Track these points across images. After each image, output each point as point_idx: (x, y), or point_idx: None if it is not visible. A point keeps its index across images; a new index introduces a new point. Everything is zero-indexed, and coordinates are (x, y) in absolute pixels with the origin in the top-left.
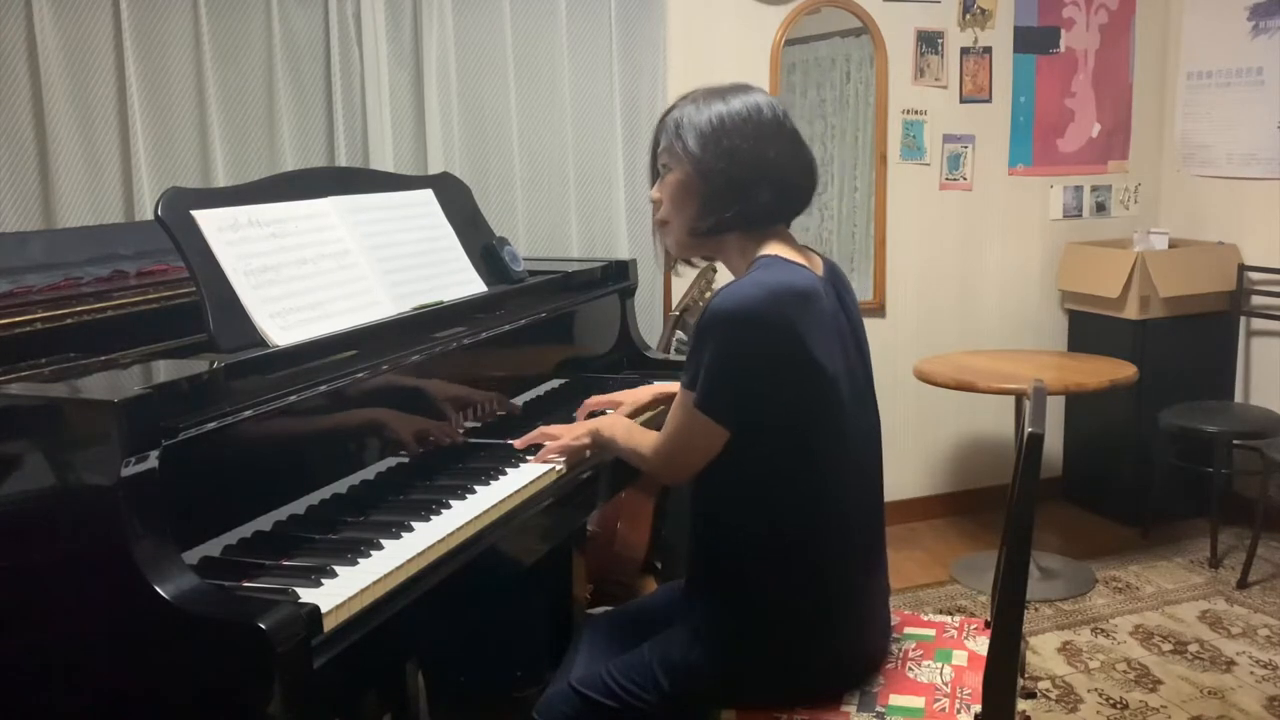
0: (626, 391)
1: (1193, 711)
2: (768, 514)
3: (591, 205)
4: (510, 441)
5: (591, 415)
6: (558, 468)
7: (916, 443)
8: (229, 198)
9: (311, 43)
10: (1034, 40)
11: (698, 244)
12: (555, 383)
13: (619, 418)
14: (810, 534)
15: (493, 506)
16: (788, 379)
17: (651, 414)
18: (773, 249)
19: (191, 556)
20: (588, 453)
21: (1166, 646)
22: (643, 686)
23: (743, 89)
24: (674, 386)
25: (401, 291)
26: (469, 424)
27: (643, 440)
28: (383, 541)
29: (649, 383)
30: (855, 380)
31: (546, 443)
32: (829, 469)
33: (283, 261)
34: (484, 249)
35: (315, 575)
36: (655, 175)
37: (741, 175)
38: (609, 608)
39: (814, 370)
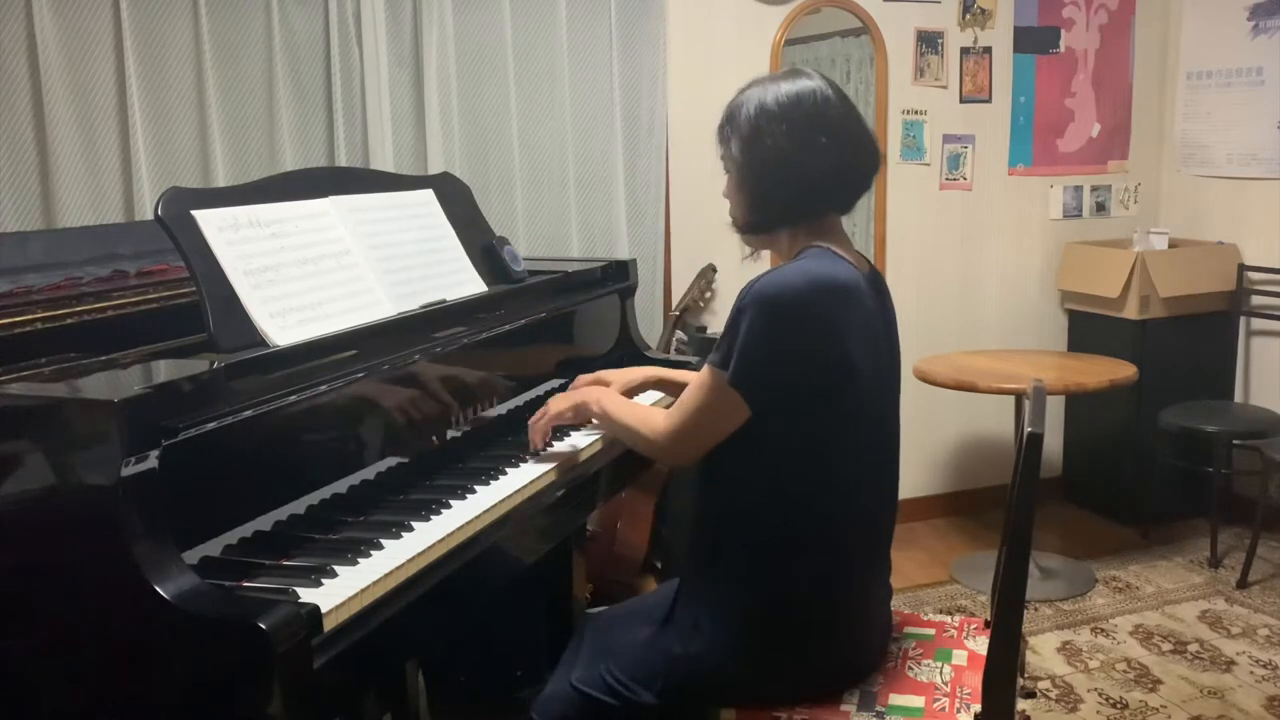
0: (614, 371)
1: (1192, 711)
2: (776, 509)
3: (591, 205)
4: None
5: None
6: (491, 505)
7: (916, 443)
8: (229, 198)
9: (311, 43)
10: (1034, 40)
11: (755, 239)
12: (555, 383)
13: (610, 391)
14: (816, 532)
15: (492, 506)
16: (817, 371)
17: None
18: (822, 242)
19: (191, 556)
20: (576, 421)
21: (1166, 646)
22: (642, 684)
23: (791, 76)
24: (669, 371)
25: (402, 291)
26: (469, 424)
27: (646, 416)
28: (383, 541)
29: None
30: (882, 384)
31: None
32: (842, 467)
33: (283, 261)
34: (484, 249)
35: (315, 575)
36: (725, 171)
37: (778, 178)
38: (607, 606)
39: (843, 366)
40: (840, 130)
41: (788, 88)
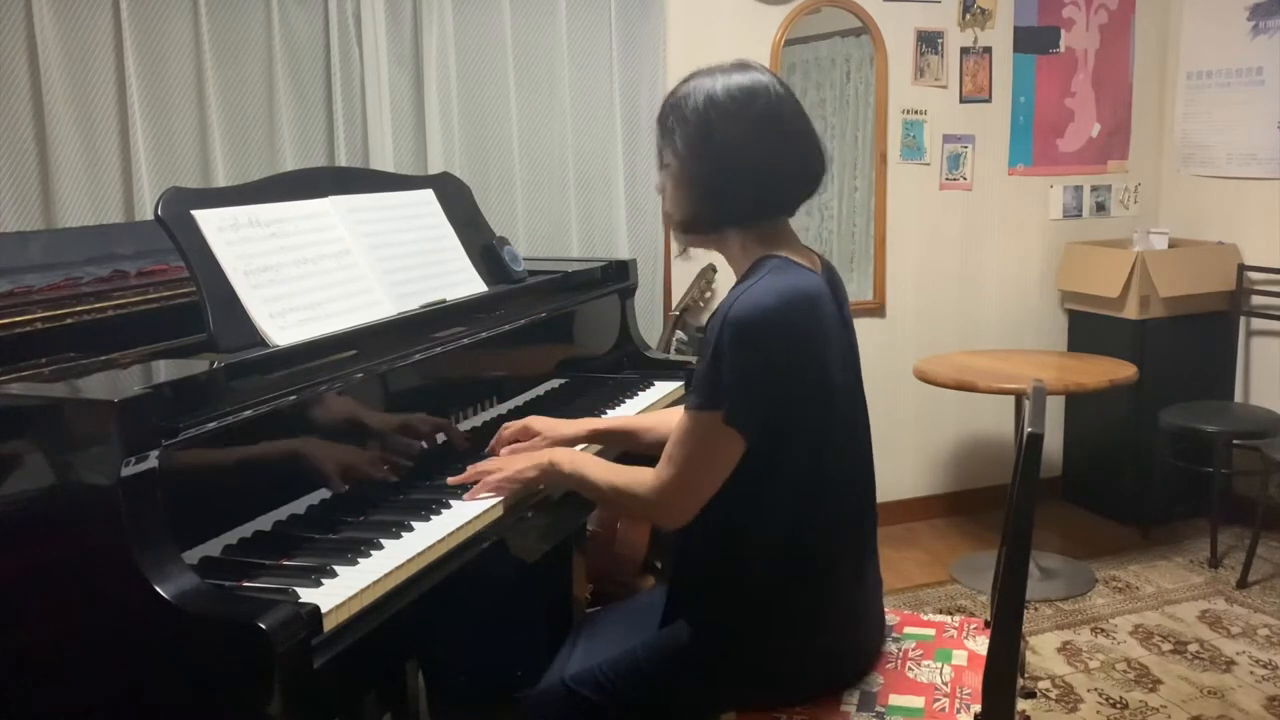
0: (546, 420)
1: (1192, 711)
2: (763, 517)
3: (591, 205)
4: (448, 480)
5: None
6: (492, 504)
7: (916, 443)
8: (229, 198)
9: (311, 43)
10: (1034, 40)
11: (697, 238)
12: (555, 383)
13: (583, 452)
14: (804, 536)
15: (493, 506)
16: (797, 386)
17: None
18: (777, 249)
19: (191, 556)
20: (541, 485)
21: (1166, 646)
22: (635, 684)
23: (740, 68)
24: (604, 421)
25: (402, 291)
26: (469, 423)
27: (634, 475)
28: (383, 541)
29: (649, 383)
30: (849, 383)
31: (484, 479)
32: (828, 471)
33: (283, 261)
34: (484, 249)
35: (315, 575)
36: (661, 165)
37: (731, 173)
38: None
39: (820, 377)
40: (793, 128)
41: (740, 79)
